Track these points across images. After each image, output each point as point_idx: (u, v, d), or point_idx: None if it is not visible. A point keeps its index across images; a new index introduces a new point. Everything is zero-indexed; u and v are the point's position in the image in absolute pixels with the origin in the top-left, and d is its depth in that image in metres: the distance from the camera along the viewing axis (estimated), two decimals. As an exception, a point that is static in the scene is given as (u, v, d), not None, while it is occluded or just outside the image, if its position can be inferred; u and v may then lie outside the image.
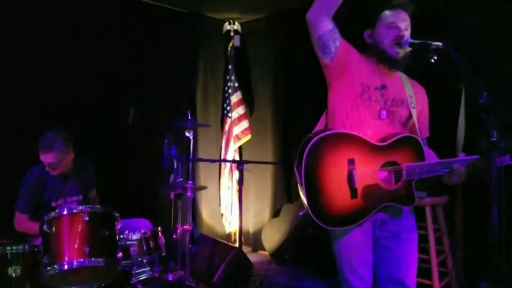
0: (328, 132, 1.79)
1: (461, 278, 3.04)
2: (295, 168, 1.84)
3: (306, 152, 1.75)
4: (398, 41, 1.86)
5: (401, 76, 2.00)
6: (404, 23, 1.91)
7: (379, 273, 1.97)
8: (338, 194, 1.78)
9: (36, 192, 2.62)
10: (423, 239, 2.85)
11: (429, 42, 1.80)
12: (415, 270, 1.98)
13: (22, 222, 2.60)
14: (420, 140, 1.89)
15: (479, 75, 1.89)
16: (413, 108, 1.94)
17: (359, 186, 1.79)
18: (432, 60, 1.81)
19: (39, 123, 3.05)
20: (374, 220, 1.89)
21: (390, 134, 1.88)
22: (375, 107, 1.89)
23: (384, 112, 1.90)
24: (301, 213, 1.86)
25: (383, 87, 1.92)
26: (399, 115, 1.94)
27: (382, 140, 1.86)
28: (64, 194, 2.67)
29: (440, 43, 1.76)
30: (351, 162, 1.79)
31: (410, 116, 1.95)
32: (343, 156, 1.80)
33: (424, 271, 2.89)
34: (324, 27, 1.85)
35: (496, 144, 1.53)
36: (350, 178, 1.79)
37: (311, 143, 1.76)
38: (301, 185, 1.77)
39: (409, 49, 1.86)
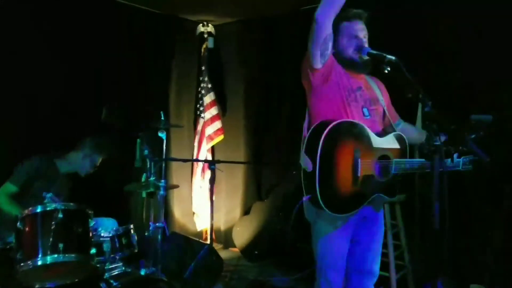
0: (341, 120, 1.87)
1: (416, 271, 3.26)
2: (304, 154, 1.88)
3: (322, 138, 1.80)
4: (359, 50, 2.04)
5: (365, 77, 2.16)
6: (362, 33, 2.08)
7: (351, 265, 2.11)
8: (344, 181, 1.87)
9: (31, 175, 2.73)
10: (382, 234, 3.07)
11: (384, 55, 1.98)
12: (380, 258, 2.18)
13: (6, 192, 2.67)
14: (406, 139, 2.06)
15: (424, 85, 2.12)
16: (383, 104, 2.11)
17: (361, 174, 1.89)
18: (386, 71, 1.99)
19: (14, 122, 3.11)
20: (357, 216, 2.01)
21: (378, 132, 2.03)
22: (359, 106, 2.03)
23: (365, 110, 2.05)
24: (305, 199, 1.93)
25: (359, 88, 2.08)
26: (377, 112, 2.10)
27: (379, 134, 2.00)
28: (56, 189, 2.75)
29: (393, 57, 1.94)
30: (357, 151, 1.89)
31: (384, 111, 2.12)
32: (351, 146, 1.88)
33: (382, 264, 3.09)
34: (329, 28, 1.90)
35: (438, 148, 1.72)
36: (355, 166, 1.88)
37: (327, 130, 1.81)
38: (314, 170, 1.80)
39: (366, 57, 2.03)
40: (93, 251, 2.18)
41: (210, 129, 4.48)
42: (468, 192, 2.94)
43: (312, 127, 1.91)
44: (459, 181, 2.83)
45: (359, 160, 1.88)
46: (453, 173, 2.42)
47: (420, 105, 3.13)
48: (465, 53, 3.00)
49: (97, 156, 3.00)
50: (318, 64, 1.96)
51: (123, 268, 2.43)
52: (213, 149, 4.65)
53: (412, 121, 2.89)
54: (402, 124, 2.26)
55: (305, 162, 1.87)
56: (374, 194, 1.99)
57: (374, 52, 2.02)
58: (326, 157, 1.82)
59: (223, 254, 4.31)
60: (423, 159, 1.98)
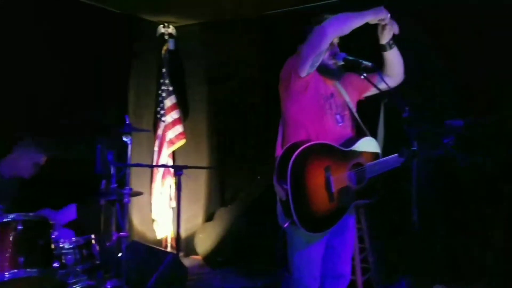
0: (306, 145, 1.90)
1: (380, 273, 3.35)
2: (275, 183, 1.91)
3: (290, 167, 1.84)
4: (334, 55, 2.05)
5: (335, 82, 2.17)
6: (336, 39, 2.09)
7: (325, 270, 2.13)
8: (319, 200, 1.91)
9: None
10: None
11: (360, 60, 2.01)
12: (351, 261, 2.23)
13: None
14: (375, 139, 2.10)
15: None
16: (352, 106, 2.14)
17: (335, 190, 1.93)
18: (362, 77, 2.03)
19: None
20: None
21: (350, 137, 2.07)
22: (333, 114, 2.06)
23: (338, 117, 2.07)
24: (286, 225, 1.94)
25: (332, 95, 2.10)
26: (347, 117, 2.12)
27: (345, 144, 2.03)
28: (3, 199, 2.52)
29: (370, 63, 1.98)
30: (327, 169, 1.93)
31: (352, 114, 2.15)
32: (320, 165, 1.92)
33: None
34: (329, 43, 1.94)
35: (416, 152, 1.78)
36: (328, 184, 1.92)
37: (292, 158, 1.85)
38: (287, 197, 1.84)
39: (342, 62, 2.05)
40: (55, 264, 2.00)
41: (171, 133, 4.34)
42: (466, 192, 3.05)
43: (280, 155, 1.94)
44: (457, 181, 2.97)
45: (331, 177, 1.93)
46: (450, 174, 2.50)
47: (382, 107, 3.23)
48: (464, 54, 3.07)
49: (36, 155, 2.79)
50: (304, 72, 1.96)
51: (87, 282, 2.26)
52: (173, 154, 4.51)
53: (375, 123, 2.95)
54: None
55: (278, 191, 1.91)
56: (353, 203, 2.03)
57: (351, 57, 2.05)
58: (297, 185, 1.87)
59: (184, 262, 4.17)
60: (395, 154, 2.00)
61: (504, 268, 2.90)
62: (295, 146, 1.91)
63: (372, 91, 2.24)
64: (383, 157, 2.11)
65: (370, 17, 1.94)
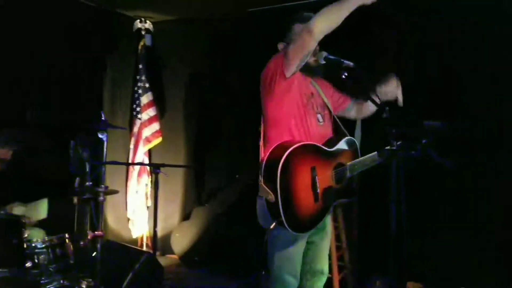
0: (295, 147, 1.89)
1: (355, 271, 3.40)
2: (263, 185, 1.89)
3: (279, 169, 1.83)
4: (315, 53, 2.04)
5: (313, 82, 2.18)
6: None
7: (304, 267, 2.14)
8: (306, 200, 1.92)
9: None
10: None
11: (342, 60, 2.02)
12: (328, 258, 2.25)
13: None
14: (355, 139, 2.14)
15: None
16: (330, 108, 2.17)
17: (320, 190, 1.94)
18: (343, 76, 2.04)
19: None
20: None
21: (331, 137, 2.08)
22: (315, 114, 2.07)
23: (319, 116, 2.08)
24: (273, 226, 1.93)
25: (312, 95, 2.11)
26: (327, 117, 2.14)
27: (328, 144, 2.04)
28: None
29: (351, 63, 1.98)
30: (313, 169, 1.93)
31: (331, 113, 2.17)
32: (307, 166, 1.92)
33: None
34: (316, 44, 1.91)
35: (396, 152, 1.80)
36: (314, 184, 1.92)
37: (282, 161, 1.83)
38: (276, 200, 1.83)
39: (323, 62, 2.05)
40: (28, 264, 1.94)
41: (148, 131, 4.28)
42: (443, 192, 3.12)
43: (266, 156, 1.93)
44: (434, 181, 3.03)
45: (316, 178, 1.94)
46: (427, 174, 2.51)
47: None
48: (463, 54, 3.12)
49: (0, 150, 2.69)
50: (289, 73, 1.95)
51: (61, 281, 2.19)
52: (149, 152, 4.43)
53: (352, 125, 2.98)
54: (353, 103, 2.29)
55: (265, 193, 1.90)
56: (335, 203, 2.06)
57: (332, 57, 2.05)
58: (286, 187, 1.87)
59: (161, 261, 4.11)
60: (373, 153, 2.02)
61: (485, 268, 3.00)
62: (282, 147, 1.90)
63: (342, 113, 2.29)
64: (361, 156, 2.15)
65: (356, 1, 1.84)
